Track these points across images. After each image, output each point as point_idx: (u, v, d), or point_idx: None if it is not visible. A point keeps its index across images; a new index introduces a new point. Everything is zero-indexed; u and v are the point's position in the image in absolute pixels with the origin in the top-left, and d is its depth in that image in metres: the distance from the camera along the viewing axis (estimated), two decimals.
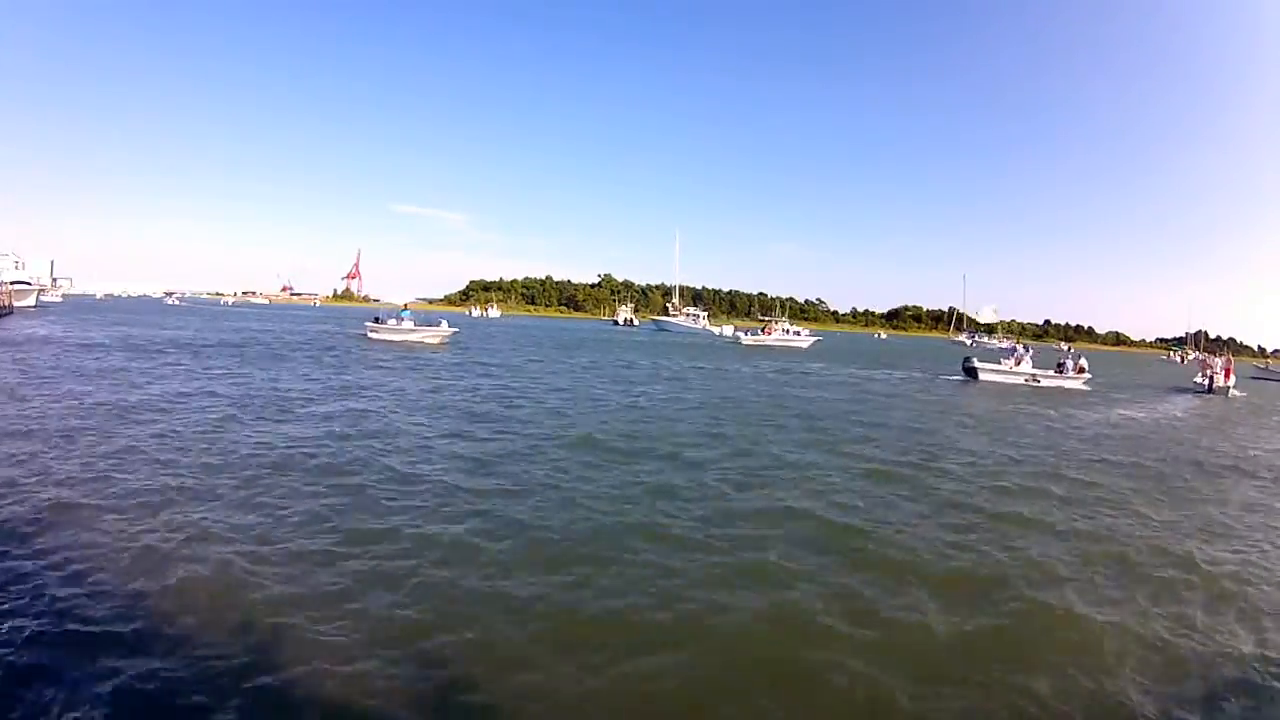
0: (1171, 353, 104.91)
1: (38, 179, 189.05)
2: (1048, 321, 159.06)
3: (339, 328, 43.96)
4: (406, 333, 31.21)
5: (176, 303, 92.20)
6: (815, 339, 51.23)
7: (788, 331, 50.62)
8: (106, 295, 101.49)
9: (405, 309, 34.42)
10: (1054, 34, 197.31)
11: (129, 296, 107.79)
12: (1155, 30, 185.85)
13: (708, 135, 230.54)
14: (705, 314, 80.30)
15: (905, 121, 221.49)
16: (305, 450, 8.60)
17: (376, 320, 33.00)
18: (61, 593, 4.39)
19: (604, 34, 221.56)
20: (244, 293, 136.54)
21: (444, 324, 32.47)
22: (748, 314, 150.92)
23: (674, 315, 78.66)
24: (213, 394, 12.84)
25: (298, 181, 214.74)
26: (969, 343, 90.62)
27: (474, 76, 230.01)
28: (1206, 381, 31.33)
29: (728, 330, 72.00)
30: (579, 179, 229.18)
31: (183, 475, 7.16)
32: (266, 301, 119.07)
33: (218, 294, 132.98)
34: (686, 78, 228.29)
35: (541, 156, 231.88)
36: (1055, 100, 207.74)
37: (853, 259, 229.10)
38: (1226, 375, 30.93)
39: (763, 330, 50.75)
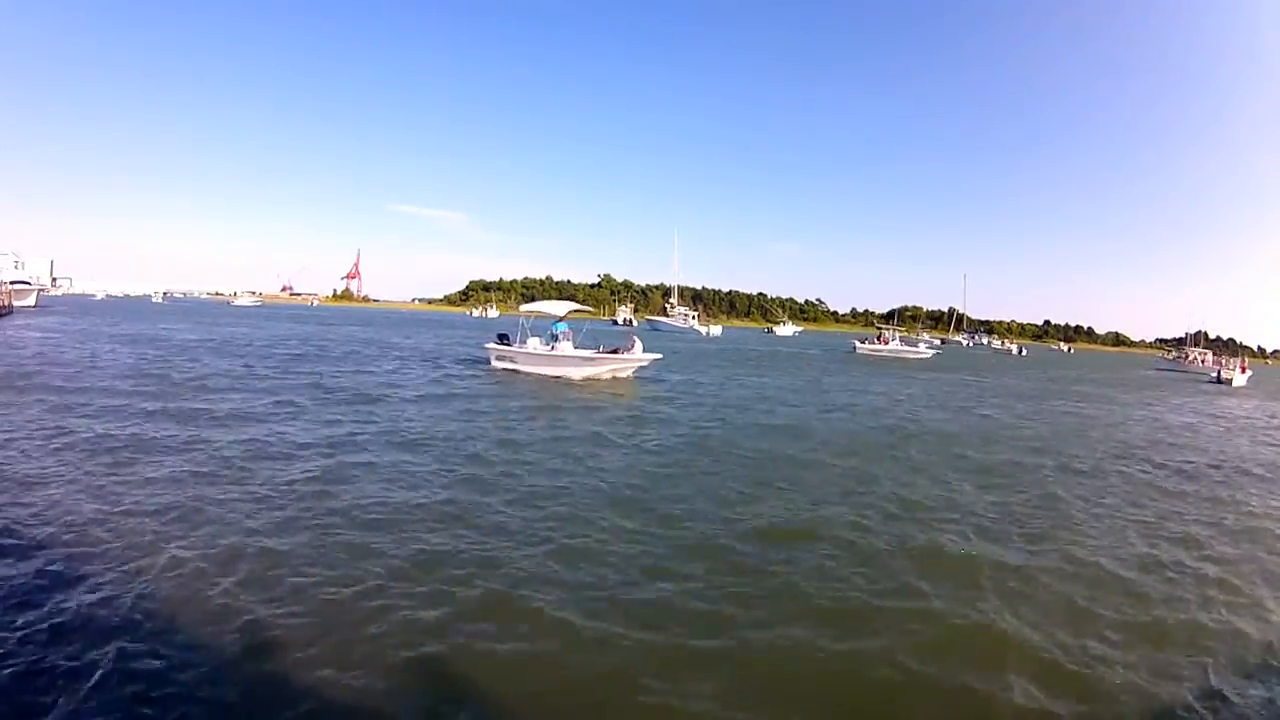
0: (1169, 353, 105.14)
1: (38, 179, 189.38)
2: (1047, 322, 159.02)
3: (372, 333, 37.89)
4: (571, 364, 18.49)
5: (162, 301, 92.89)
6: (935, 350, 50.30)
7: (903, 342, 51.63)
8: (106, 295, 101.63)
9: (560, 322, 20.29)
10: (1053, 33, 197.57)
11: (129, 296, 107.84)
12: (1155, 30, 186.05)
13: (707, 135, 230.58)
14: (695, 315, 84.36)
15: (906, 121, 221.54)
16: None
17: (503, 339, 20.47)
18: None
19: (604, 33, 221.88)
20: (245, 292, 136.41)
21: (637, 344, 20.04)
22: (747, 314, 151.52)
23: (668, 315, 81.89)
24: None
25: (297, 182, 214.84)
26: (966, 343, 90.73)
27: (473, 76, 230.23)
28: (1215, 374, 42.61)
29: (715, 330, 74.40)
30: (579, 179, 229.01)
31: None
32: (261, 302, 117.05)
33: (219, 294, 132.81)
34: (686, 77, 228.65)
35: (541, 156, 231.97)
36: (1055, 100, 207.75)
37: (853, 259, 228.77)
38: (1242, 370, 40.33)
39: (878, 339, 51.24)
